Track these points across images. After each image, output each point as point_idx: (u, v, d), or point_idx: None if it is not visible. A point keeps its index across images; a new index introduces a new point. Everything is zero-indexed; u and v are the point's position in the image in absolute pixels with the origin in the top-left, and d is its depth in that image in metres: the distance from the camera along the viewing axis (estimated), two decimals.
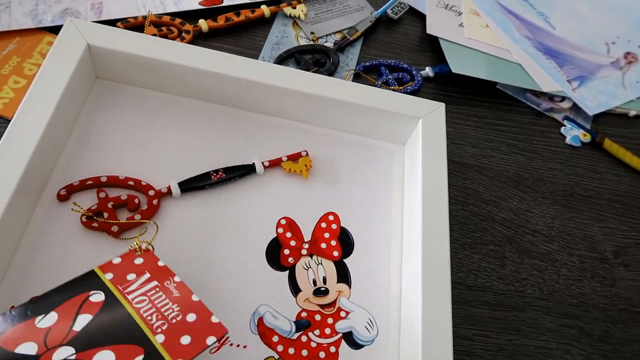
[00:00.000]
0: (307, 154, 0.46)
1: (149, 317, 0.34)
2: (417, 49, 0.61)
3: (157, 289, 0.36)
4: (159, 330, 0.32)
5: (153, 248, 0.36)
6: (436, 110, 0.47)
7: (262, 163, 0.45)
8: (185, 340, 0.32)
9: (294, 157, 0.46)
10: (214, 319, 0.33)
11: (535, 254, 0.49)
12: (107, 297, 0.33)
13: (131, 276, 0.35)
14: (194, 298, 0.34)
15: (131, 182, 0.41)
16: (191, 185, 0.42)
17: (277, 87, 0.45)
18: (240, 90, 0.46)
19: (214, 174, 0.43)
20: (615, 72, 0.65)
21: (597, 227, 0.52)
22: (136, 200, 0.40)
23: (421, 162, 0.44)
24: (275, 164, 0.45)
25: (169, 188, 0.42)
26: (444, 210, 0.42)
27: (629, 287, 0.49)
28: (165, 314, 0.33)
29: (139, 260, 0.36)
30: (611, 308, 0.48)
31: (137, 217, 0.40)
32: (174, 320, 0.33)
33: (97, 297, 0.33)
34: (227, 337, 0.38)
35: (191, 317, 0.33)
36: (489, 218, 0.50)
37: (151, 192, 0.41)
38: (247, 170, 0.44)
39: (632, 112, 0.62)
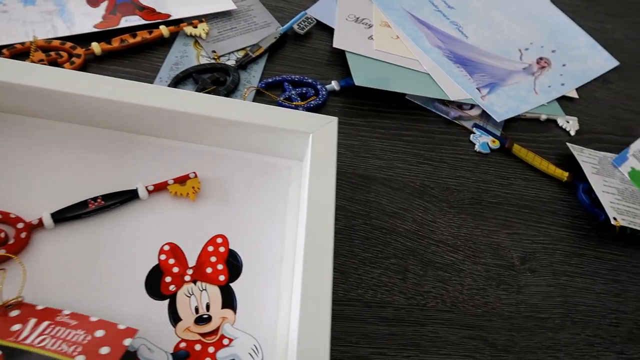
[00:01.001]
0: (196, 176, 0.45)
1: (60, 348, 0.33)
2: (326, 64, 0.60)
3: (52, 326, 0.35)
4: (76, 353, 0.33)
5: (22, 298, 0.35)
6: (328, 125, 0.46)
7: (146, 187, 0.43)
8: (105, 350, 0.34)
9: (181, 180, 0.44)
10: (121, 326, 0.35)
11: (439, 265, 0.48)
12: (5, 351, 0.32)
13: (16, 327, 0.34)
14: (92, 319, 0.35)
15: None
16: (65, 216, 0.40)
17: (163, 109, 0.44)
18: (125, 113, 0.44)
19: (92, 201, 0.41)
20: (527, 78, 0.66)
21: (504, 233, 0.52)
22: (2, 235, 0.38)
23: (309, 177, 0.43)
24: (160, 187, 0.44)
25: (40, 220, 0.40)
26: (328, 226, 0.40)
27: (535, 293, 0.48)
28: (74, 339, 0.34)
29: (15, 313, 0.35)
30: (516, 316, 0.47)
31: (1, 251, 0.38)
32: (86, 341, 0.34)
33: None
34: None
35: (99, 333, 0.34)
36: (392, 231, 0.49)
37: (20, 225, 0.39)
38: (128, 197, 0.42)
39: (543, 117, 0.62)
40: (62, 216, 0.40)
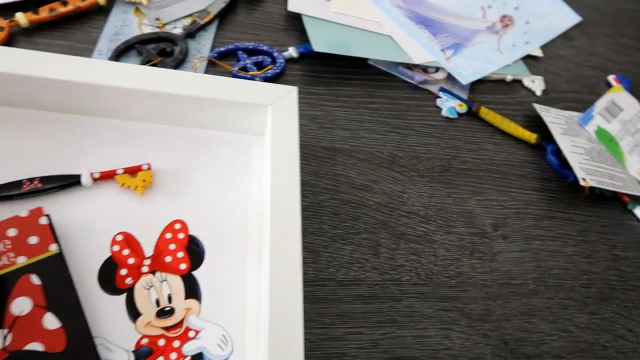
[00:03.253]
0: (149, 168, 0.40)
1: None
2: (281, 29, 0.56)
3: None
4: (13, 259, 0.34)
5: None
6: (287, 95, 0.43)
7: (92, 174, 0.39)
8: (34, 239, 0.34)
9: (133, 171, 0.40)
10: (23, 213, 0.35)
11: (412, 237, 0.46)
12: None
13: None
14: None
15: None
16: None
17: (105, 87, 0.39)
18: (64, 93, 0.40)
19: (27, 182, 0.37)
20: (491, 37, 0.63)
21: (475, 200, 0.50)
22: None
23: (270, 153, 0.39)
24: (108, 176, 0.40)
25: None
26: (294, 204, 0.37)
27: (509, 260, 0.48)
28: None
29: None
30: (491, 284, 0.46)
31: None
32: (9, 245, 0.34)
33: None
34: None
35: (12, 232, 0.34)
36: (361, 205, 0.47)
37: None
38: (70, 181, 0.38)
39: (509, 77, 0.61)
40: None
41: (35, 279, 0.33)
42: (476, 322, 0.43)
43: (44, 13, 0.47)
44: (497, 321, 0.44)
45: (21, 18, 0.46)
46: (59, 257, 0.35)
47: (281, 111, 0.42)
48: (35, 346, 0.32)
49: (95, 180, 0.39)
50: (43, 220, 0.35)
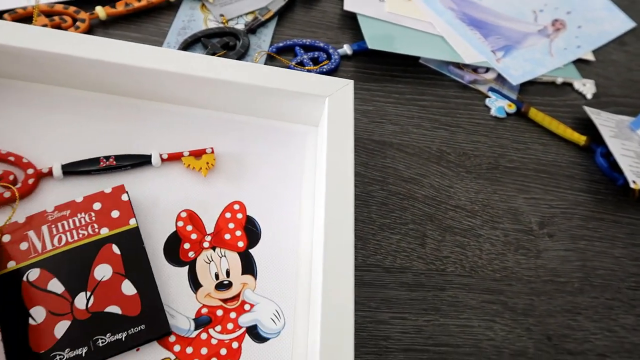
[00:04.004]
0: (212, 151, 0.43)
1: (82, 234, 0.37)
2: (336, 27, 0.59)
3: (53, 226, 0.37)
4: (97, 230, 0.37)
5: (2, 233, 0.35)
6: (344, 88, 0.45)
7: (161, 155, 0.42)
8: (115, 213, 0.38)
9: (197, 154, 0.43)
10: (107, 190, 0.39)
11: (458, 230, 0.47)
12: (41, 265, 0.36)
13: (24, 245, 0.36)
14: (78, 200, 0.38)
15: (11, 158, 0.39)
16: (76, 169, 0.40)
17: (176, 74, 0.42)
18: (138, 79, 0.43)
19: (104, 159, 0.40)
20: (542, 40, 0.64)
21: (522, 198, 0.51)
22: (11, 177, 0.38)
23: (326, 142, 0.42)
24: (175, 157, 0.43)
25: (50, 169, 0.39)
26: (349, 192, 0.39)
27: (554, 258, 0.48)
28: (84, 222, 0.37)
29: (7, 238, 0.36)
30: (535, 280, 0.46)
31: (7, 194, 0.37)
32: (94, 217, 0.37)
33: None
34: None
35: (97, 206, 0.38)
36: (409, 197, 0.48)
37: (30, 171, 0.38)
38: (141, 160, 0.41)
39: (559, 80, 0.61)
40: (73, 169, 0.40)
41: (115, 249, 0.37)
42: (520, 316, 0.44)
43: (120, 7, 0.51)
44: (540, 316, 0.45)
45: (100, 11, 0.50)
46: (137, 231, 0.38)
47: (338, 103, 0.44)
48: (114, 309, 0.35)
49: (163, 160, 0.42)
50: (124, 197, 0.39)
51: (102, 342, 0.34)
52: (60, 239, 0.36)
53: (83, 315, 0.34)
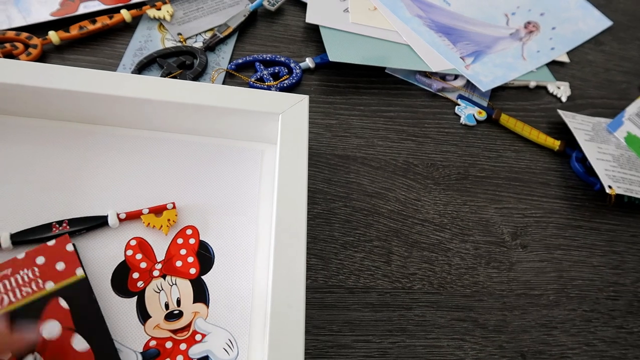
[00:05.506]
0: (174, 206, 0.41)
1: (26, 292, 0.35)
2: (300, 40, 0.57)
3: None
4: (42, 285, 0.35)
5: None
6: (298, 104, 0.43)
7: (118, 215, 0.40)
8: (60, 265, 0.36)
9: (158, 210, 0.41)
10: (50, 242, 0.37)
11: (425, 245, 0.46)
12: None
13: None
14: (19, 256, 0.36)
15: None
16: (27, 238, 0.38)
17: (125, 98, 0.41)
18: (86, 104, 0.42)
19: (56, 225, 0.38)
20: (514, 44, 0.62)
21: (493, 208, 0.49)
22: None
23: (278, 160, 0.40)
24: (134, 216, 0.40)
25: None
26: (300, 212, 0.38)
27: (528, 270, 0.46)
28: (27, 279, 0.35)
29: None
30: (508, 294, 0.44)
31: None
32: (38, 273, 0.36)
33: None
34: None
35: (40, 260, 0.36)
36: (374, 212, 0.47)
37: None
38: (97, 223, 0.40)
39: (533, 84, 0.59)
40: (23, 239, 0.37)
41: (63, 303, 0.35)
42: (491, 333, 0.42)
43: (74, 31, 0.50)
44: (513, 332, 0.43)
45: (53, 36, 0.49)
46: (85, 281, 0.36)
47: (292, 119, 0.42)
48: None
49: (121, 220, 0.40)
50: (69, 247, 0.37)
51: None
52: (2, 300, 0.34)
53: None
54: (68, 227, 0.39)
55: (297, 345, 0.32)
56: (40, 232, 0.38)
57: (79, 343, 0.34)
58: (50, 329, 0.34)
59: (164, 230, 0.40)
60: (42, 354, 0.33)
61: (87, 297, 0.35)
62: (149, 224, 0.40)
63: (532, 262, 0.47)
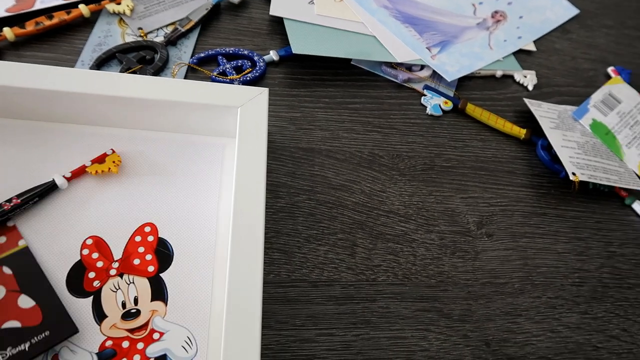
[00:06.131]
0: (114, 152, 0.42)
1: None
2: (264, 33, 0.57)
3: None
4: None
5: None
6: (257, 97, 0.43)
7: (64, 176, 0.40)
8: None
9: (100, 160, 0.41)
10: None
11: (390, 237, 0.45)
12: None
13: None
14: None
15: None
16: None
17: (80, 94, 0.40)
18: (38, 101, 0.41)
19: (6, 203, 0.38)
20: (481, 33, 0.62)
21: (459, 198, 0.49)
22: None
23: (237, 154, 0.40)
24: (79, 172, 0.41)
25: None
26: (259, 206, 0.37)
27: (493, 258, 0.46)
28: None
29: None
30: (473, 283, 0.44)
31: None
32: None
33: None
34: None
35: None
36: (338, 205, 0.46)
37: None
38: (46, 188, 0.39)
39: (499, 73, 0.59)
40: None
41: (7, 269, 0.36)
42: (456, 323, 0.42)
43: (30, 27, 0.49)
44: (478, 321, 0.43)
45: (8, 32, 0.48)
46: (27, 250, 0.37)
47: (250, 112, 0.42)
48: (13, 324, 0.34)
49: (69, 179, 0.40)
50: (9, 223, 0.37)
51: (3, 357, 0.33)
52: None
53: None
54: (19, 200, 0.38)
55: (253, 341, 0.32)
56: None
57: (25, 301, 0.35)
58: None
59: (113, 170, 0.41)
60: None
61: (30, 262, 0.37)
62: (96, 171, 0.41)
63: (497, 250, 0.47)
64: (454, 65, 0.57)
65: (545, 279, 0.46)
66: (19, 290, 0.35)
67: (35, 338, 0.34)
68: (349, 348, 0.40)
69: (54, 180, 0.40)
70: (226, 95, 0.42)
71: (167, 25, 0.54)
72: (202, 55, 0.52)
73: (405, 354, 0.40)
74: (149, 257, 0.39)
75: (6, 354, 0.33)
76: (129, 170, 0.42)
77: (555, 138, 0.52)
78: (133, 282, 0.38)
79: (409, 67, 0.57)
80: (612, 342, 0.44)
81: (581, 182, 0.51)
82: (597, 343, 0.43)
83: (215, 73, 0.51)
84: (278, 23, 0.57)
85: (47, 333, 0.34)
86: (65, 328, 0.35)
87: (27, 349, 0.33)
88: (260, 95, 0.43)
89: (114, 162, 0.41)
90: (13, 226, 0.38)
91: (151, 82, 0.42)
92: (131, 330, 0.36)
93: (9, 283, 0.35)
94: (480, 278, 0.45)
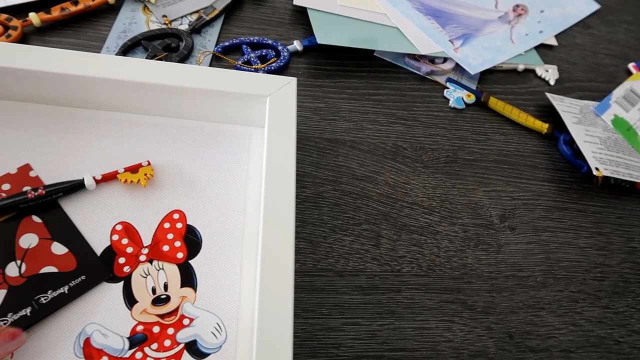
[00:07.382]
0: (149, 163, 0.41)
1: None
2: (287, 23, 0.57)
3: None
4: None
5: None
6: (285, 86, 0.43)
7: (94, 177, 0.40)
8: None
9: (133, 169, 0.41)
10: None
11: (414, 228, 0.46)
12: None
13: None
14: None
15: None
16: (1, 204, 0.37)
17: (108, 80, 0.40)
18: (70, 87, 0.41)
19: (32, 192, 0.38)
20: (503, 27, 0.62)
21: (482, 191, 0.49)
22: None
23: (266, 143, 0.40)
24: (110, 177, 0.40)
25: None
26: (289, 196, 0.37)
27: (516, 252, 0.46)
28: None
29: None
30: (496, 276, 0.45)
31: None
32: None
33: None
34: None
35: None
36: (362, 196, 0.46)
37: None
38: (73, 186, 0.39)
39: (521, 67, 0.59)
40: None
41: (36, 219, 0.38)
42: (479, 315, 0.42)
43: (55, 12, 0.49)
44: (501, 314, 0.43)
45: (34, 18, 0.48)
46: (54, 200, 0.39)
47: (279, 102, 0.42)
48: (50, 269, 0.36)
49: (97, 182, 0.40)
50: (32, 174, 0.39)
51: (45, 299, 0.35)
52: None
53: (18, 281, 0.35)
54: (44, 191, 0.38)
55: (286, 328, 0.32)
56: (14, 199, 0.37)
57: (58, 248, 0.37)
58: (29, 240, 0.37)
59: (142, 183, 0.40)
60: (23, 260, 0.36)
61: (58, 211, 0.38)
62: (125, 180, 0.40)
63: (520, 244, 0.47)
64: (476, 58, 0.57)
65: (567, 272, 0.46)
66: (51, 238, 0.37)
67: (73, 282, 0.36)
68: (374, 337, 0.40)
69: (83, 179, 0.39)
70: (255, 84, 0.42)
71: (191, 14, 0.54)
72: (227, 44, 0.52)
73: (430, 344, 0.40)
74: (177, 243, 0.39)
75: (48, 297, 0.35)
76: (158, 157, 0.42)
77: (578, 133, 0.52)
78: (162, 269, 0.38)
79: (431, 60, 0.57)
80: (633, 336, 0.44)
81: (603, 177, 0.51)
82: (619, 337, 0.44)
83: (240, 62, 0.51)
84: (301, 13, 0.57)
85: (83, 277, 0.36)
86: (101, 273, 0.36)
87: (66, 291, 0.35)
88: (288, 85, 0.43)
89: (145, 174, 0.41)
90: (36, 177, 0.39)
91: (180, 69, 0.42)
92: (161, 316, 0.36)
93: (41, 232, 0.37)
94: (503, 271, 0.45)
